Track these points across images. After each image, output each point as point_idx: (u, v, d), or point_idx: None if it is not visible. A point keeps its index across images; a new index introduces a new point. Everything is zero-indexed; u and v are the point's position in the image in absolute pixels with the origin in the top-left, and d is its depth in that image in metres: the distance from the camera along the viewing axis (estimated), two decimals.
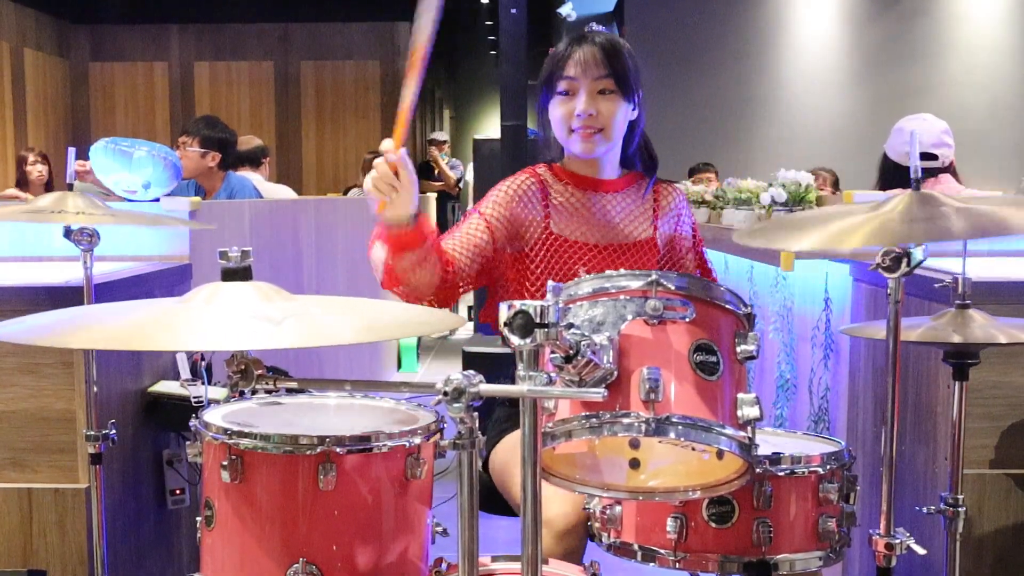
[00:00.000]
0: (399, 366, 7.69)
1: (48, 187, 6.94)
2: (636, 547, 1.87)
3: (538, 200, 2.25)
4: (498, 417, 2.33)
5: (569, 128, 2.21)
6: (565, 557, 1.96)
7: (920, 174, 1.81)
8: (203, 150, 4.42)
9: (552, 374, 1.46)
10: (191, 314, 1.44)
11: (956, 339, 1.98)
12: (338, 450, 1.56)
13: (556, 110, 2.22)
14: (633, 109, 2.24)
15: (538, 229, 2.23)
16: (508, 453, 2.22)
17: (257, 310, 1.44)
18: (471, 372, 1.39)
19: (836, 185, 6.48)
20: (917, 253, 1.72)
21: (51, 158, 7.21)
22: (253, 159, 5.59)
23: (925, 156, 3.69)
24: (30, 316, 1.47)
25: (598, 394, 1.40)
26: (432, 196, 10.16)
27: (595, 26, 2.29)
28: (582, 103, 2.18)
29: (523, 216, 2.23)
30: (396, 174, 1.88)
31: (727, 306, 1.69)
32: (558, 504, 1.99)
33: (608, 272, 1.69)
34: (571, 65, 2.19)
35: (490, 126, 15.98)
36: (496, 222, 2.21)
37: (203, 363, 2.51)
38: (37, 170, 6.96)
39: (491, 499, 2.29)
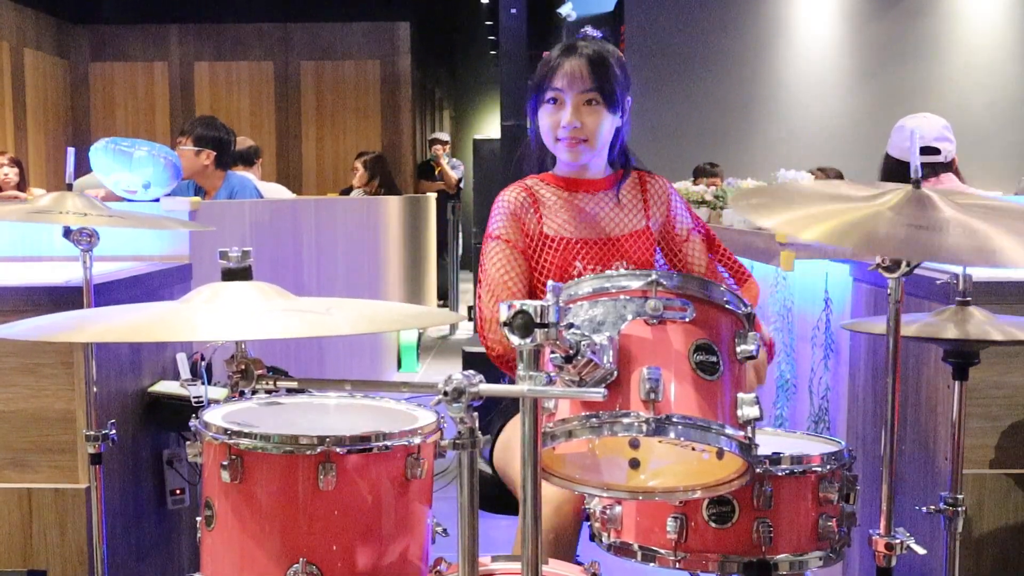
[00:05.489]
0: (399, 366, 7.69)
1: (20, 187, 6.90)
2: (636, 547, 1.87)
3: (530, 207, 2.32)
4: (505, 404, 2.35)
5: (555, 137, 2.30)
6: (559, 538, 1.97)
7: (920, 173, 1.80)
8: (196, 148, 4.41)
9: (552, 374, 1.47)
10: (200, 309, 1.44)
11: (956, 334, 1.98)
12: (338, 450, 1.56)
13: (544, 119, 2.31)
14: (620, 117, 2.32)
15: (535, 234, 2.30)
16: (511, 436, 2.26)
17: (299, 304, 1.45)
18: (471, 372, 1.39)
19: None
20: None
21: (52, 158, 7.17)
22: (246, 159, 5.60)
23: (927, 150, 3.70)
24: (29, 320, 1.47)
25: (598, 394, 1.40)
26: (432, 196, 10.16)
27: (589, 30, 2.35)
28: (567, 115, 2.26)
29: (524, 223, 2.31)
30: None
31: (727, 306, 1.69)
32: (546, 497, 1.98)
33: (608, 272, 1.70)
34: (559, 77, 2.27)
35: (490, 126, 15.97)
36: (519, 242, 2.30)
37: (203, 363, 2.51)
38: (3, 172, 6.91)
39: (491, 499, 2.29)
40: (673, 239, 2.38)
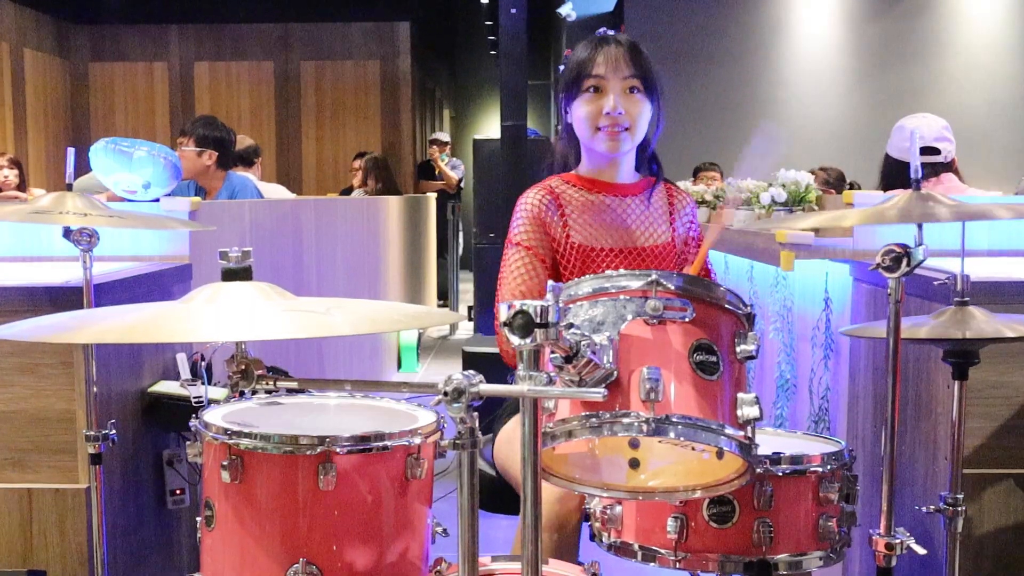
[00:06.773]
0: (399, 366, 7.69)
1: (20, 188, 6.90)
2: (636, 547, 1.87)
3: (556, 213, 2.28)
4: (510, 403, 2.34)
5: (596, 127, 2.24)
6: (561, 542, 1.97)
7: (920, 173, 1.80)
8: (199, 149, 4.41)
9: (552, 374, 1.46)
10: (203, 310, 1.44)
11: (956, 335, 1.97)
12: (338, 450, 1.56)
13: (583, 108, 2.25)
14: (656, 113, 2.28)
15: (562, 242, 2.27)
16: (513, 432, 2.25)
17: (299, 304, 1.46)
18: (471, 372, 1.39)
19: (840, 181, 6.39)
20: (917, 253, 1.72)
21: (52, 158, 7.16)
22: (245, 159, 5.59)
23: (927, 150, 3.70)
24: (29, 320, 1.47)
25: (598, 394, 1.40)
26: (432, 196, 10.17)
27: (606, 31, 2.32)
28: (611, 102, 2.22)
29: (548, 228, 2.27)
30: None
31: (727, 306, 1.69)
32: (547, 489, 1.98)
33: (608, 272, 1.69)
34: (599, 64, 2.23)
35: (490, 126, 15.97)
36: (541, 248, 2.26)
37: (203, 363, 2.51)
38: (2, 174, 6.91)
39: (491, 498, 2.29)
40: (685, 255, 2.38)
